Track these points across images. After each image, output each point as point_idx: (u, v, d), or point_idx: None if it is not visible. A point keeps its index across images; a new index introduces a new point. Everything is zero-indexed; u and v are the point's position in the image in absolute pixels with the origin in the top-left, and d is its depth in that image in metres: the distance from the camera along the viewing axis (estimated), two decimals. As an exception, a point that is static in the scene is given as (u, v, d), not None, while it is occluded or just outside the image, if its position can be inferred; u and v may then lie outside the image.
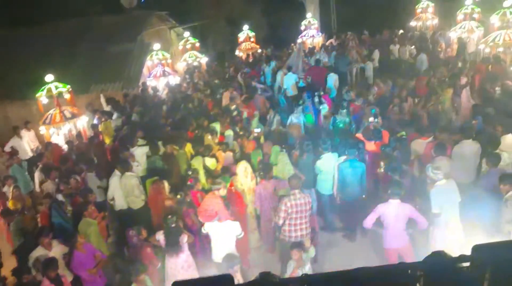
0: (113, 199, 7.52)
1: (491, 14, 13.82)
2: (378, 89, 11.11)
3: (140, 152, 8.33)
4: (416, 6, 18.78)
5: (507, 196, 5.47)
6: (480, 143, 6.96)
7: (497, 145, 6.62)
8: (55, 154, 9.45)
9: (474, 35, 14.89)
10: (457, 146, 6.98)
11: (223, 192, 6.19)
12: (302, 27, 19.57)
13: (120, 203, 7.48)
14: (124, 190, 7.36)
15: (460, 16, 15.58)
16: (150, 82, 14.42)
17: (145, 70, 15.53)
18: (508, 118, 7.34)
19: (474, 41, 14.86)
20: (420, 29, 18.53)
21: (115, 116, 11.34)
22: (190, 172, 7.17)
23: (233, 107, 10.78)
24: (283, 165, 7.26)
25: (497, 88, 9.30)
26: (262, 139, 8.64)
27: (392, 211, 5.47)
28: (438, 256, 2.06)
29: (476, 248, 2.08)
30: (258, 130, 8.71)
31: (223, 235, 5.78)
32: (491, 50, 12.65)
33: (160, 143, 8.41)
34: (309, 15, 20.34)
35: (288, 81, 12.46)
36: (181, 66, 17.71)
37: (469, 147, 6.92)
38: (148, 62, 15.58)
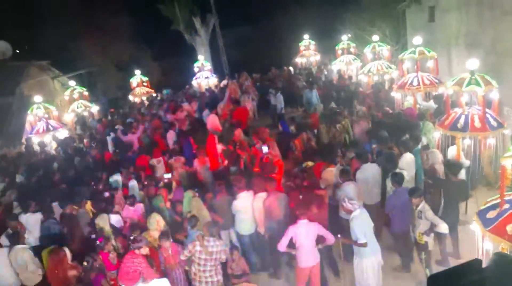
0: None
1: (364, 48, 15.46)
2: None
3: (33, 219, 7.25)
4: (300, 44, 20.24)
5: (420, 208, 5.86)
6: (379, 165, 7.46)
7: (395, 164, 7.16)
8: None
9: (352, 66, 16.49)
10: (359, 171, 7.34)
11: (145, 250, 5.64)
12: (196, 69, 19.74)
13: (11, 283, 6.32)
14: (16, 266, 6.26)
15: (339, 51, 17.16)
16: (34, 139, 13.01)
17: (27, 126, 14.01)
18: (400, 139, 8.01)
19: (354, 72, 16.43)
20: (305, 65, 19.95)
21: (-6, 180, 9.88)
22: (93, 235, 6.42)
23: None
24: (198, 211, 6.90)
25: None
26: (174, 185, 8.18)
27: (302, 231, 5.71)
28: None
29: (432, 279, 2.04)
30: (168, 176, 8.25)
31: None
32: (368, 79, 14.07)
33: (55, 204, 7.46)
34: (201, 57, 20.65)
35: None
36: (69, 117, 16.41)
37: (370, 170, 7.32)
38: (30, 117, 14.09)
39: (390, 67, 13.57)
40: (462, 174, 7.32)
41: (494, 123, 7.10)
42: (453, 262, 6.37)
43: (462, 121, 7.13)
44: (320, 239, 5.83)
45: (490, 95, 7.34)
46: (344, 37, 17.15)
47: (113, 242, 6.41)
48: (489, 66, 8.97)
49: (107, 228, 6.97)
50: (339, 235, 5.86)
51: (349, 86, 13.98)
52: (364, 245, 5.53)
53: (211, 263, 5.78)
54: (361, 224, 5.58)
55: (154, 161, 9.52)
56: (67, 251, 6.36)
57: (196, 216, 6.53)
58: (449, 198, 6.47)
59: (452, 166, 6.61)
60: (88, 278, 5.76)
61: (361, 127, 9.91)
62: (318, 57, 19.96)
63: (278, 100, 14.33)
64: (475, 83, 7.00)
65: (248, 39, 28.05)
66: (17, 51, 20.73)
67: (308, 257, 5.80)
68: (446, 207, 6.40)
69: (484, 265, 2.08)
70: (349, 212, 5.72)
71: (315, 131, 10.45)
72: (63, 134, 13.47)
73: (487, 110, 7.22)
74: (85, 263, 5.87)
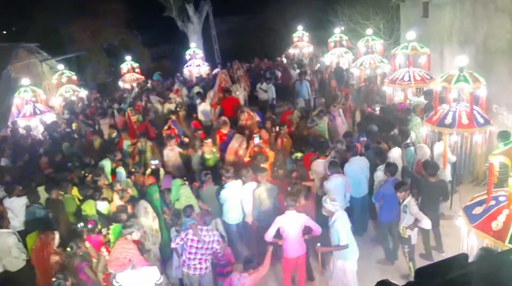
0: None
1: (357, 41, 15.42)
2: None
3: (18, 204, 7.12)
4: (293, 35, 20.13)
5: (405, 202, 5.90)
6: (367, 158, 7.49)
7: (384, 157, 7.18)
8: None
9: (344, 60, 16.45)
10: (347, 164, 7.35)
11: (136, 235, 5.61)
12: (187, 57, 19.52)
13: (-6, 267, 6.24)
14: (-2, 251, 6.18)
15: (331, 43, 17.09)
16: (21, 122, 12.77)
17: (14, 109, 13.75)
18: (389, 133, 8.03)
19: (345, 65, 16.39)
20: (297, 56, 19.85)
21: (-22, 163, 9.69)
22: (81, 223, 6.33)
23: (114, 134, 10.61)
24: (186, 199, 6.86)
25: (376, 108, 10.19)
26: (162, 172, 8.11)
27: (290, 222, 5.72)
28: (386, 286, 1.97)
29: (419, 272, 2.04)
30: (156, 162, 8.14)
31: (140, 285, 5.21)
32: (360, 72, 14.04)
33: (41, 188, 7.35)
34: (193, 45, 20.42)
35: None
36: (57, 101, 16.13)
37: (358, 163, 7.35)
38: (17, 100, 13.80)
39: (383, 61, 13.55)
40: (448, 170, 7.39)
41: (481, 120, 7.15)
42: (436, 256, 6.46)
43: (449, 117, 7.15)
44: (307, 230, 5.84)
45: (478, 92, 7.38)
46: (337, 30, 17.09)
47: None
48: (480, 63, 9.01)
49: (94, 215, 6.90)
50: (318, 244, 5.75)
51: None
52: (346, 246, 5.48)
53: (202, 251, 5.77)
54: (343, 226, 5.52)
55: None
56: (56, 235, 6.25)
57: (192, 205, 6.48)
58: (426, 198, 6.53)
59: (429, 167, 6.57)
60: (71, 265, 5.69)
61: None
62: (311, 49, 19.87)
63: (270, 91, 14.25)
64: (463, 79, 7.01)
65: (241, 28, 27.86)
66: (4, 32, 20.32)
67: (295, 248, 5.83)
68: (423, 205, 6.40)
69: (470, 259, 2.10)
70: (330, 213, 5.62)
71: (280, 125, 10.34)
72: (50, 118, 13.24)
73: (474, 107, 7.27)
74: (68, 249, 5.79)
